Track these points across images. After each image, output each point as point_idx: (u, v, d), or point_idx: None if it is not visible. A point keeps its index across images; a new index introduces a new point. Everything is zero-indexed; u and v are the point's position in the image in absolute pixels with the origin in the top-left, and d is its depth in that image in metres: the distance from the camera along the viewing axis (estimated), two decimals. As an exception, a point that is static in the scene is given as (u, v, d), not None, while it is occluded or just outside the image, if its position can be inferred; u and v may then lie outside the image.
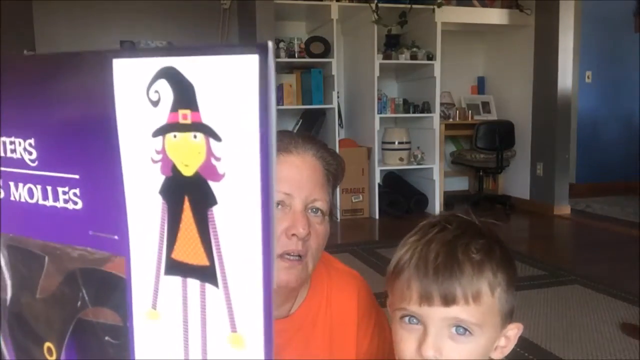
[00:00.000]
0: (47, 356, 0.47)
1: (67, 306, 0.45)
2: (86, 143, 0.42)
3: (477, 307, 0.61)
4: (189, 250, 0.38)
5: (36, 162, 0.45)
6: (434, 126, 4.41)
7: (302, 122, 4.41)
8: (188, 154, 0.36)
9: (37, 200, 0.46)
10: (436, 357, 0.60)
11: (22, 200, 0.47)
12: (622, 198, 4.99)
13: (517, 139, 4.54)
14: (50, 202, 0.45)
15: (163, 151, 0.37)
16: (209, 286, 0.37)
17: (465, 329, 0.61)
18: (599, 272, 2.80)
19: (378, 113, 4.25)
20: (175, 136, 0.37)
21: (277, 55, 4.01)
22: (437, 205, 4.41)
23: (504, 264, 0.64)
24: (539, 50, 4.53)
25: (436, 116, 4.39)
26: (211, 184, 0.36)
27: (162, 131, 0.37)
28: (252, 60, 0.33)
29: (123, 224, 0.41)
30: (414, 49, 4.36)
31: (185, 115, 0.36)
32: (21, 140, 0.45)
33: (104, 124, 0.40)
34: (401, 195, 4.43)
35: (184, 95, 0.35)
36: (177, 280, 0.39)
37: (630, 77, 5.51)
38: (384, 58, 4.29)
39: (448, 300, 0.60)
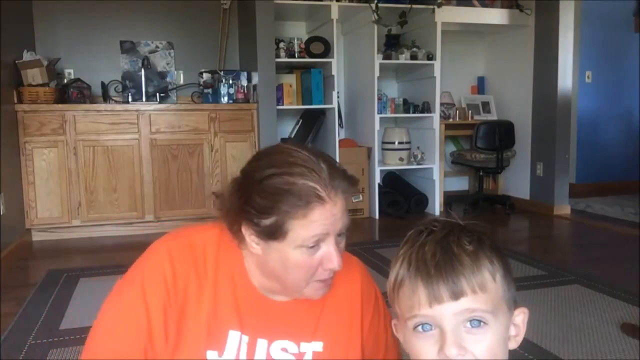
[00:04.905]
0: None
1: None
2: None
3: (484, 294, 0.61)
4: None
5: None
6: (434, 126, 4.41)
7: (302, 122, 4.42)
8: None
9: None
10: (460, 355, 0.60)
11: None
12: (622, 198, 4.99)
13: (517, 139, 4.54)
14: None
15: None
16: None
17: (480, 321, 0.61)
18: (599, 272, 2.80)
19: (378, 113, 4.25)
20: None
21: (277, 55, 4.01)
22: (437, 205, 4.41)
23: (495, 252, 0.65)
24: (539, 50, 4.53)
25: (436, 116, 4.39)
26: None
27: None
28: None
29: None
30: (414, 49, 4.36)
31: None
32: None
33: None
34: (401, 195, 4.43)
35: None
36: None
37: (630, 77, 5.52)
38: (384, 58, 4.29)
39: (457, 294, 0.60)
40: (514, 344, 0.67)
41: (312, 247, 0.83)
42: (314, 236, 0.82)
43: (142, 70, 4.12)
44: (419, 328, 0.63)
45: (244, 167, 0.89)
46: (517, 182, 4.85)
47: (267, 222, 0.83)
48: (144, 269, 0.89)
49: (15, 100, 3.55)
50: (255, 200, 0.83)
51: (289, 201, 0.81)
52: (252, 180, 0.85)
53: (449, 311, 0.61)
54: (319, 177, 0.82)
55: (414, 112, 4.46)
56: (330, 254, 0.85)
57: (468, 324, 0.61)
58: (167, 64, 4.30)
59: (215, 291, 0.89)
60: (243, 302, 0.91)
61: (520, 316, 0.68)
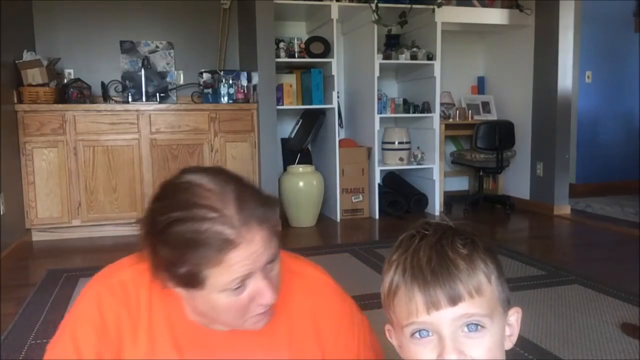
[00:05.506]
0: None
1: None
2: None
3: (481, 298, 0.61)
4: None
5: None
6: (434, 126, 4.41)
7: (302, 122, 4.42)
8: None
9: None
10: (460, 358, 0.60)
11: None
12: (622, 198, 4.99)
13: (517, 139, 4.54)
14: None
15: None
16: None
17: (477, 325, 0.61)
18: (599, 272, 2.80)
19: (378, 113, 4.25)
20: None
21: (277, 55, 4.01)
22: (437, 205, 4.41)
23: (489, 253, 0.65)
24: (539, 50, 4.53)
25: (436, 116, 4.39)
26: None
27: None
28: None
29: None
30: (414, 49, 4.36)
31: None
32: None
33: None
34: (401, 195, 4.43)
35: None
36: None
37: (630, 77, 5.51)
38: (384, 58, 4.29)
39: (454, 299, 0.60)
40: (509, 344, 0.67)
41: (237, 288, 0.75)
42: (234, 279, 0.74)
43: (142, 70, 4.12)
44: (417, 334, 0.62)
45: (149, 204, 0.80)
46: (517, 182, 4.85)
47: (180, 271, 0.74)
48: (74, 318, 0.85)
49: (15, 100, 3.55)
50: (162, 250, 0.75)
51: (197, 252, 0.72)
52: (155, 228, 0.76)
53: (447, 317, 0.60)
54: (225, 217, 0.72)
55: (414, 112, 4.46)
56: (260, 289, 0.76)
57: (466, 329, 0.61)
58: (167, 64, 4.30)
59: (151, 331, 0.83)
60: (182, 338, 0.84)
61: (514, 316, 0.68)
